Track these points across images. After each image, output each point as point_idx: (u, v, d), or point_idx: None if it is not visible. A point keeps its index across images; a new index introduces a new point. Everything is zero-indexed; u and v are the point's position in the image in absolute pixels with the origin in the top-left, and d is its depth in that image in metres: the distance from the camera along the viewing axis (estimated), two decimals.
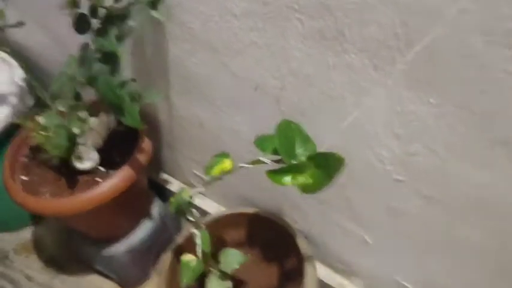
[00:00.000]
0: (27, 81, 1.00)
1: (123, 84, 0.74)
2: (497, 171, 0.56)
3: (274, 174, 0.59)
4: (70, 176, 0.96)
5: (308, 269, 0.88)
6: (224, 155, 0.72)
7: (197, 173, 1.08)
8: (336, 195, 0.80)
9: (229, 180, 1.00)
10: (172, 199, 0.77)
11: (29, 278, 1.19)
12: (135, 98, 0.85)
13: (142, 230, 1.10)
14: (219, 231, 1.01)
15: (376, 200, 0.74)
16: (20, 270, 1.21)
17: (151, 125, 1.05)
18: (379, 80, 0.57)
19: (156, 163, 1.18)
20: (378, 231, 0.79)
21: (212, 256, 0.86)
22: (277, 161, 0.64)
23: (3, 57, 1.13)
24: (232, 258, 0.87)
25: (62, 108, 0.85)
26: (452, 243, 0.70)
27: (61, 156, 0.95)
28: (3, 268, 1.22)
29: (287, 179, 0.60)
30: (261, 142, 0.69)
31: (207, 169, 0.71)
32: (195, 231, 0.80)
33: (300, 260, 0.90)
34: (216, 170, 0.70)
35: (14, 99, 1.05)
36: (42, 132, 0.85)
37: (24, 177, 0.97)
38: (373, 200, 0.75)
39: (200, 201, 1.13)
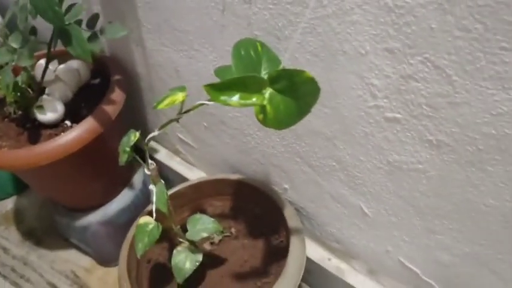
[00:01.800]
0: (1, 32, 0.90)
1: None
2: None
3: (213, 88, 0.44)
4: (33, 130, 0.85)
5: (293, 246, 0.73)
6: (180, 88, 0.58)
7: (182, 136, 0.95)
8: (325, 152, 0.65)
9: (212, 142, 0.87)
10: (121, 148, 0.65)
11: (5, 251, 1.09)
12: (96, 33, 0.74)
13: (121, 201, 0.98)
14: (200, 201, 0.88)
15: (372, 154, 0.58)
16: None
17: (133, 86, 0.93)
18: None
19: (142, 129, 1.06)
20: (377, 198, 0.63)
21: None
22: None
23: None
24: (201, 226, 0.73)
25: (14, 45, 0.74)
26: (469, 211, 0.53)
27: (22, 105, 0.85)
28: None
29: (232, 98, 0.45)
30: (222, 71, 0.55)
31: (156, 103, 0.57)
32: (151, 186, 0.67)
33: (287, 236, 0.76)
34: (166, 103, 0.56)
35: None
36: None
37: None
38: (368, 154, 0.59)
39: (188, 172, 1.00)
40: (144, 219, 0.69)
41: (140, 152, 1.00)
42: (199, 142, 0.91)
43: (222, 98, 0.45)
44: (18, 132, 0.86)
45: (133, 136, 0.63)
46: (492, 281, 0.58)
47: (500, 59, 0.39)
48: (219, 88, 0.45)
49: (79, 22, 0.74)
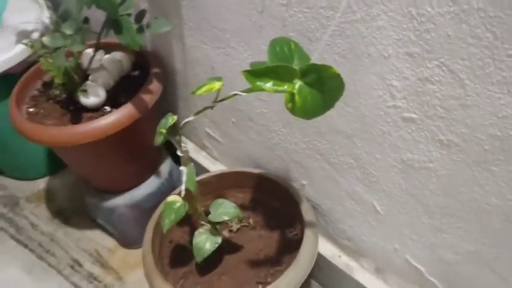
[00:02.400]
0: (53, 21, 0.98)
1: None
2: None
3: (251, 74, 0.50)
4: (76, 113, 0.92)
5: (307, 238, 0.78)
6: (217, 78, 0.64)
7: (210, 131, 1.01)
8: (344, 150, 0.70)
9: (239, 138, 0.93)
10: (158, 129, 0.71)
11: (33, 226, 1.16)
12: (142, 27, 0.81)
13: (148, 186, 1.04)
14: (223, 191, 0.93)
15: (387, 152, 0.63)
16: (27, 217, 1.19)
17: (169, 80, 1.00)
18: None
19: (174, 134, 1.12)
20: (389, 195, 0.68)
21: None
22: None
23: None
24: (223, 210, 0.79)
25: (68, 31, 0.82)
26: (474, 210, 0.58)
27: (68, 89, 0.92)
28: (12, 214, 1.20)
29: (266, 84, 0.51)
30: (257, 65, 0.61)
31: (195, 90, 0.63)
32: (182, 167, 0.73)
33: (301, 229, 0.80)
34: (204, 90, 0.62)
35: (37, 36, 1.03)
36: (46, 54, 0.82)
37: (31, 109, 0.94)
38: (384, 152, 0.64)
39: (212, 167, 1.06)
40: (172, 198, 0.75)
41: (172, 148, 1.08)
42: (226, 137, 0.97)
43: (258, 83, 0.51)
44: (62, 113, 0.93)
45: (171, 119, 0.69)
46: (492, 280, 0.62)
47: (507, 65, 0.44)
48: (256, 74, 0.51)
49: (128, 15, 0.81)
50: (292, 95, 0.53)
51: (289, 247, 0.83)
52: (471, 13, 0.44)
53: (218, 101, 0.65)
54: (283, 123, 0.79)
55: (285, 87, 0.52)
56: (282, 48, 0.58)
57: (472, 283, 0.65)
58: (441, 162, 0.57)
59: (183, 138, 1.13)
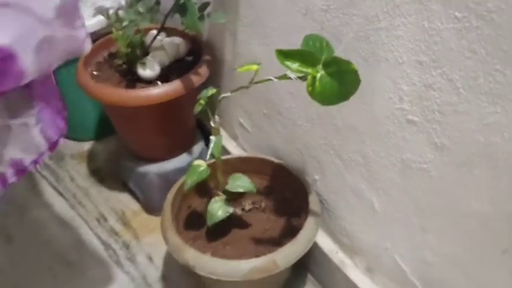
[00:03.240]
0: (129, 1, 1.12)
1: None
2: (509, 106, 0.53)
3: (282, 53, 0.61)
4: (131, 82, 1.05)
5: (308, 224, 0.87)
6: (256, 63, 0.75)
7: (242, 121, 1.12)
8: (355, 147, 0.79)
9: (267, 129, 1.03)
10: (198, 99, 0.81)
11: (72, 179, 1.29)
12: (203, 15, 0.93)
13: (179, 162, 1.15)
14: (243, 174, 1.03)
15: (391, 151, 0.72)
16: (68, 171, 1.32)
17: (217, 69, 1.12)
18: None
19: (211, 110, 1.24)
20: (388, 192, 0.76)
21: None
22: (302, 78, 0.66)
23: None
24: (240, 183, 0.89)
25: (141, 9, 0.95)
26: (456, 212, 0.65)
27: (129, 60, 1.05)
28: (55, 166, 1.34)
29: (293, 64, 0.61)
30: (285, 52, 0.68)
31: (237, 68, 0.74)
32: (212, 137, 0.84)
33: (306, 219, 0.89)
34: (244, 68, 0.73)
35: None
36: (118, 26, 0.95)
37: (95, 72, 1.08)
38: (388, 151, 0.72)
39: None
40: (197, 162, 0.85)
41: (206, 133, 1.18)
42: (255, 128, 1.07)
43: (286, 62, 0.61)
44: (120, 80, 1.06)
45: (211, 91, 0.80)
46: (465, 285, 0.69)
47: (494, 78, 0.53)
48: (286, 54, 0.61)
49: (194, 4, 0.94)
50: (313, 80, 0.63)
51: (292, 232, 0.91)
52: (470, 30, 0.53)
53: (253, 83, 0.76)
54: (307, 119, 0.88)
55: (308, 70, 0.62)
56: (315, 43, 0.69)
57: (449, 287, 0.72)
58: (434, 164, 0.65)
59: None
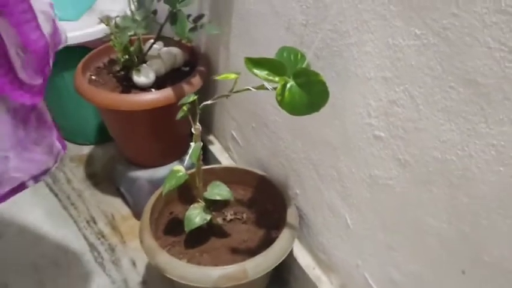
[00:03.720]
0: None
1: None
2: (462, 123, 0.53)
3: (250, 61, 0.62)
4: (126, 87, 1.08)
5: (283, 236, 0.87)
6: (235, 72, 0.77)
7: (234, 134, 1.13)
8: (330, 162, 0.80)
9: (254, 142, 1.04)
10: (180, 104, 0.83)
11: (68, 181, 1.32)
12: (197, 26, 0.96)
13: (169, 169, 1.17)
14: (228, 184, 1.04)
15: (361, 167, 0.72)
16: (65, 173, 1.35)
17: (210, 81, 1.15)
18: (379, 12, 0.59)
19: (208, 122, 1.26)
20: (358, 209, 0.76)
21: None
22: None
23: None
24: (218, 191, 0.90)
25: (138, 17, 0.99)
26: (417, 229, 0.65)
27: (126, 66, 1.09)
28: None
29: (261, 72, 0.63)
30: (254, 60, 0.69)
31: (216, 76, 0.76)
32: (192, 143, 0.85)
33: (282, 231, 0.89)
34: (221, 77, 0.75)
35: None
36: (117, 33, 0.99)
37: (93, 77, 1.12)
38: (359, 166, 0.73)
39: None
40: (177, 167, 0.87)
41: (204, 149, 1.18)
42: (245, 141, 1.09)
43: (254, 70, 0.63)
44: (116, 85, 1.09)
45: (192, 97, 0.82)
46: None
47: (449, 95, 0.54)
48: (254, 62, 0.63)
49: (188, 15, 0.97)
50: (283, 89, 0.65)
51: (269, 244, 0.91)
52: (429, 47, 0.54)
53: (233, 92, 0.77)
54: (289, 133, 0.90)
55: (276, 78, 0.63)
56: (289, 54, 0.70)
57: None
58: (398, 180, 0.66)
59: (212, 138, 1.26)
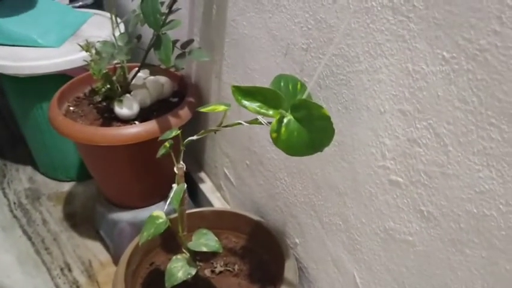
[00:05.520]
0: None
1: (166, 15, 0.74)
2: (506, 170, 0.42)
3: (239, 90, 0.51)
4: (107, 120, 0.97)
5: None
6: (225, 104, 0.66)
7: (227, 173, 1.02)
8: (336, 209, 0.68)
9: (249, 182, 0.92)
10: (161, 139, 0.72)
11: (44, 222, 1.20)
12: (185, 53, 0.86)
13: (154, 211, 1.05)
14: (218, 231, 0.91)
15: (373, 217, 0.60)
16: (42, 213, 1.23)
17: (202, 113, 1.04)
18: (396, 31, 0.49)
19: (199, 158, 1.15)
20: (369, 268, 0.64)
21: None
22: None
23: (109, 17, 1.23)
24: (204, 240, 0.77)
25: (119, 42, 0.89)
26: None
27: (108, 97, 0.98)
28: (30, 206, 1.25)
29: (252, 104, 0.52)
30: (243, 89, 0.57)
31: (201, 108, 0.65)
32: (174, 185, 0.74)
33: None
34: (208, 108, 0.64)
35: None
36: (95, 58, 0.89)
37: (71, 108, 1.01)
38: (370, 217, 0.61)
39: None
40: (157, 213, 0.75)
41: (191, 183, 1.08)
42: (239, 180, 0.97)
43: (244, 102, 0.52)
44: (96, 117, 0.98)
45: (174, 132, 0.71)
46: None
47: (488, 134, 0.42)
48: (244, 92, 0.52)
49: (175, 41, 0.87)
50: (279, 125, 0.54)
51: None
52: (460, 74, 0.43)
53: (222, 126, 0.66)
54: (287, 172, 0.78)
55: (270, 112, 0.52)
56: (287, 84, 0.59)
57: None
58: (420, 237, 0.54)
59: (203, 175, 1.15)
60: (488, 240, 0.45)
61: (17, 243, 1.15)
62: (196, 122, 1.01)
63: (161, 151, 0.73)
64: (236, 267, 0.87)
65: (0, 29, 1.15)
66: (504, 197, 0.42)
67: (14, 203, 1.26)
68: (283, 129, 0.53)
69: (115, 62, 0.95)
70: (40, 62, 1.10)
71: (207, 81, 0.99)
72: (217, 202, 1.08)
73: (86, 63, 1.01)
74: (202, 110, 0.65)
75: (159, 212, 0.75)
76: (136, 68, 0.99)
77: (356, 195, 0.63)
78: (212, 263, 0.88)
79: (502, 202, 0.43)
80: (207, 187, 1.12)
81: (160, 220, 0.74)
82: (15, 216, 1.22)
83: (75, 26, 1.22)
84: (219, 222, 0.90)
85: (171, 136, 0.70)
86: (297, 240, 0.82)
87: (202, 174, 1.15)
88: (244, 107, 0.52)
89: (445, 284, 0.52)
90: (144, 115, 0.97)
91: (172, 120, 0.92)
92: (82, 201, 1.25)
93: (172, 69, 0.99)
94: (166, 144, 0.73)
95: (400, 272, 0.58)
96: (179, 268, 0.78)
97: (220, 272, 0.87)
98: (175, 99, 1.03)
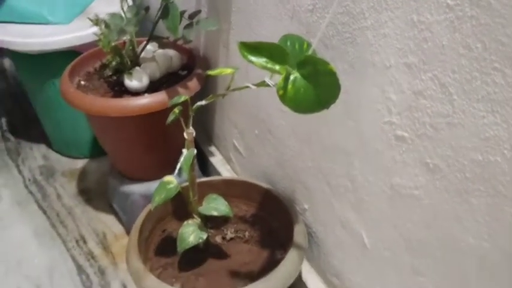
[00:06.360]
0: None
1: None
2: (511, 114, 0.42)
3: (245, 46, 0.52)
4: (118, 93, 0.99)
5: (289, 257, 0.76)
6: (232, 67, 0.66)
7: (236, 144, 1.03)
8: (343, 170, 0.68)
9: (258, 151, 0.93)
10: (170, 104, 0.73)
11: (58, 197, 1.23)
12: (192, 23, 0.87)
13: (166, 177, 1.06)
14: (229, 199, 0.92)
15: (379, 175, 0.61)
16: (56, 188, 1.25)
17: (211, 85, 1.05)
18: None
19: (208, 131, 1.16)
20: (377, 226, 0.65)
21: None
22: None
23: None
24: (214, 205, 0.79)
25: (128, 14, 0.89)
26: (451, 250, 0.53)
27: (118, 70, 0.99)
28: (44, 182, 1.28)
29: (259, 59, 0.52)
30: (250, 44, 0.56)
31: (209, 72, 0.66)
32: (184, 150, 0.75)
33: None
34: (216, 72, 0.65)
35: None
36: (105, 32, 0.90)
37: (82, 82, 1.03)
38: (376, 175, 0.62)
39: None
40: (168, 178, 0.76)
41: (201, 157, 1.09)
42: (248, 150, 0.98)
43: (250, 57, 0.53)
44: (107, 91, 1.00)
45: (184, 97, 0.72)
46: None
47: (492, 79, 0.42)
48: (250, 48, 0.52)
49: (183, 12, 0.88)
50: (286, 82, 0.54)
51: (273, 268, 0.80)
52: (464, 21, 0.43)
53: (230, 90, 0.67)
54: (296, 138, 0.79)
55: (276, 67, 0.53)
56: (294, 44, 0.60)
57: None
58: (426, 190, 0.54)
59: (213, 148, 1.16)
60: (493, 187, 0.46)
61: (33, 217, 1.17)
62: (205, 95, 1.02)
63: (171, 117, 0.74)
64: (247, 233, 0.89)
65: (11, 7, 1.16)
66: (508, 141, 0.43)
67: (29, 180, 1.29)
68: (289, 86, 0.54)
69: (124, 37, 0.96)
70: (50, 38, 1.11)
71: (215, 52, 1.00)
72: (227, 174, 1.10)
73: (96, 37, 1.02)
74: (211, 73, 0.65)
75: (170, 177, 0.76)
76: (145, 42, 1.00)
77: (363, 154, 0.63)
78: (223, 230, 0.89)
79: (507, 147, 0.43)
80: (216, 160, 1.14)
81: (172, 185, 0.75)
82: (30, 192, 1.24)
83: (85, 3, 1.23)
84: (229, 190, 0.92)
85: (180, 101, 0.71)
86: (306, 206, 0.83)
87: (212, 148, 1.17)
88: (251, 62, 0.52)
89: (452, 235, 0.53)
90: (153, 88, 0.98)
91: (181, 91, 0.93)
92: (95, 177, 1.28)
93: (180, 42, 1.00)
94: (176, 110, 0.74)
95: (406, 228, 0.59)
96: (190, 233, 0.79)
97: (231, 238, 0.88)
98: (184, 72, 1.04)
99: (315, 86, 0.54)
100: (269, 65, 0.52)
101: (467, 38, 0.44)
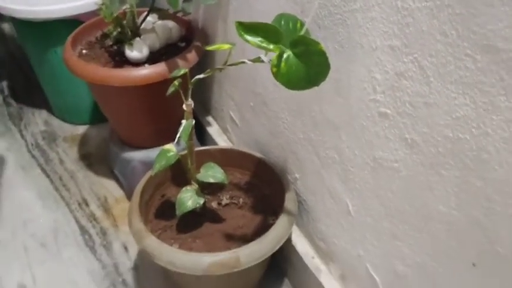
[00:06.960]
0: None
1: None
2: (478, 96, 0.47)
3: (242, 26, 0.56)
4: (118, 63, 1.02)
5: (280, 222, 0.82)
6: (230, 43, 0.70)
7: (232, 115, 1.07)
8: (331, 143, 0.73)
9: (253, 122, 0.98)
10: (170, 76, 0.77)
11: (61, 162, 1.28)
12: None
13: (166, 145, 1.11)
14: (225, 168, 0.98)
15: (364, 148, 0.66)
16: (58, 153, 1.30)
17: (209, 57, 1.08)
18: None
19: (206, 103, 1.20)
20: (360, 195, 0.70)
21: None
22: None
23: None
24: (211, 173, 0.84)
25: None
26: (424, 217, 0.59)
27: (119, 40, 1.03)
28: (47, 147, 1.32)
29: (254, 39, 0.56)
30: (246, 24, 0.58)
31: (208, 47, 0.70)
32: (183, 121, 0.79)
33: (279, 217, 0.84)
34: (214, 47, 0.69)
35: None
36: (106, 2, 0.93)
37: (84, 51, 1.06)
38: (362, 148, 0.67)
39: None
40: (168, 146, 0.81)
41: (199, 127, 1.13)
42: (243, 121, 1.03)
43: (246, 36, 0.57)
44: (108, 60, 1.03)
45: (183, 70, 0.76)
46: None
47: (464, 64, 0.47)
48: (246, 27, 0.57)
49: None
50: (279, 60, 0.58)
51: (265, 232, 0.86)
52: (442, 9, 0.48)
53: (227, 65, 0.71)
54: (289, 111, 0.83)
55: (270, 46, 0.57)
56: (288, 23, 0.64)
57: None
58: (404, 163, 0.59)
59: (211, 119, 1.21)
60: (461, 161, 0.51)
61: (37, 180, 1.22)
62: (203, 67, 1.06)
63: (171, 89, 0.78)
64: (241, 200, 0.95)
65: None
66: (476, 121, 0.48)
67: (32, 144, 1.33)
68: (282, 64, 0.58)
69: (125, 7, 0.99)
70: (54, 6, 1.14)
71: (213, 26, 1.03)
72: (224, 144, 1.14)
73: (98, 6, 1.05)
74: (209, 48, 0.70)
75: (170, 145, 0.81)
76: (146, 13, 1.03)
77: (350, 129, 0.68)
78: (219, 196, 0.95)
79: (474, 126, 0.48)
80: (213, 130, 1.18)
81: (171, 153, 0.80)
82: (33, 156, 1.29)
83: None
84: (225, 159, 0.97)
85: (179, 74, 0.75)
86: (297, 175, 0.88)
87: (210, 118, 1.21)
88: (247, 41, 0.56)
89: (425, 203, 0.58)
90: (153, 58, 1.02)
91: (180, 63, 0.97)
92: (96, 143, 1.32)
93: (180, 14, 1.03)
94: (176, 82, 0.78)
95: (387, 197, 0.65)
96: (189, 198, 0.85)
97: (226, 204, 0.94)
98: (183, 44, 1.08)
99: (306, 64, 0.58)
100: (264, 44, 0.57)
101: (443, 25, 0.48)
